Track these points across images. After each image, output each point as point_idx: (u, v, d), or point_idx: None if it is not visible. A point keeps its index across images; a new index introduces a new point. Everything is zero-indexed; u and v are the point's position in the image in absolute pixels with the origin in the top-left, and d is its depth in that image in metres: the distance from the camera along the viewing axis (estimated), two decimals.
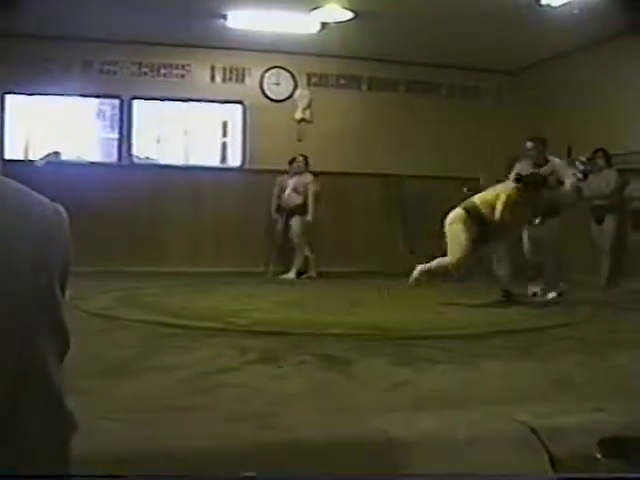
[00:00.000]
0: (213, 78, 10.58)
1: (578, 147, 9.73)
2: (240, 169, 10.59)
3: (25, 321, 0.82)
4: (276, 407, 3.00)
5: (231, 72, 10.63)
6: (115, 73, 10.15)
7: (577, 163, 9.55)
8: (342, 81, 11.05)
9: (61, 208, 0.89)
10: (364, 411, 2.96)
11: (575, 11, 7.99)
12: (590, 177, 8.85)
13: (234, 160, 10.80)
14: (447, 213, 7.05)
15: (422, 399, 3.22)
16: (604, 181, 8.73)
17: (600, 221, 8.82)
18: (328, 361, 3.97)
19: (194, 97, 10.51)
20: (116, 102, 10.34)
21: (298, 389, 3.38)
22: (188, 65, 10.43)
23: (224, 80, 10.62)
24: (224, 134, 11.28)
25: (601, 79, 9.45)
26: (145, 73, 10.26)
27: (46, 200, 0.88)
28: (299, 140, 10.80)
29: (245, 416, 2.83)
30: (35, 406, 0.83)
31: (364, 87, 11.13)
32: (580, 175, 9.50)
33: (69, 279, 0.91)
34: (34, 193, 0.87)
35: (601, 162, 8.81)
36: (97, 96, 10.33)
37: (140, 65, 10.24)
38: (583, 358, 4.22)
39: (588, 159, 9.34)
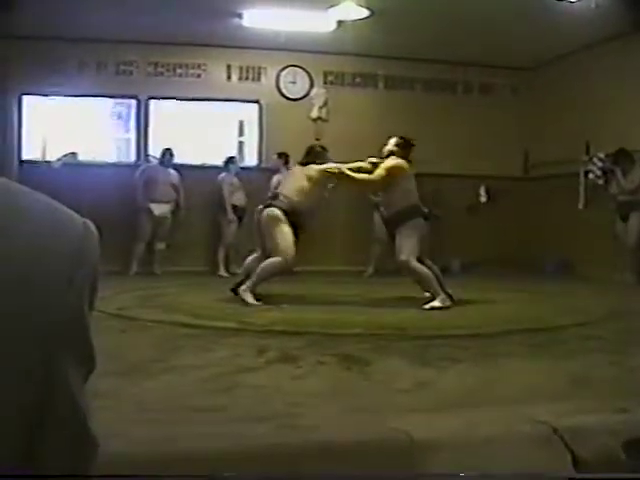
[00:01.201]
0: (229, 77, 10.60)
1: (597, 143, 9.68)
2: (257, 168, 10.58)
3: (55, 339, 0.81)
4: (296, 407, 2.98)
5: (247, 71, 10.64)
6: (131, 73, 10.18)
7: (595, 159, 9.51)
8: (358, 79, 11.04)
9: (90, 224, 0.88)
10: (384, 412, 2.95)
11: (593, 5, 7.92)
12: (618, 174, 8.79)
13: (251, 159, 10.80)
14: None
15: (443, 399, 3.20)
16: (630, 177, 8.68)
17: (625, 218, 8.77)
18: (347, 361, 3.96)
19: (210, 96, 10.52)
20: (132, 102, 10.37)
21: (317, 389, 3.37)
22: (204, 64, 10.45)
23: (240, 79, 10.64)
24: (241, 133, 11.28)
25: (620, 74, 9.38)
26: (161, 73, 10.29)
27: (76, 215, 0.87)
28: (317, 139, 10.78)
29: (264, 416, 2.82)
30: (61, 424, 0.83)
31: (380, 85, 11.11)
32: (599, 172, 9.46)
33: None
34: (64, 208, 0.87)
35: (627, 162, 8.74)
36: (113, 96, 10.35)
37: (156, 65, 10.26)
38: (604, 357, 4.17)
39: (607, 156, 9.28)
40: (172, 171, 9.86)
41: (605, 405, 3.04)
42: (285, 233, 6.61)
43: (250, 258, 7.02)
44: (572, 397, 3.24)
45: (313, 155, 7.27)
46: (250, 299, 6.37)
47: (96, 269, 0.86)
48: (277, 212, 6.65)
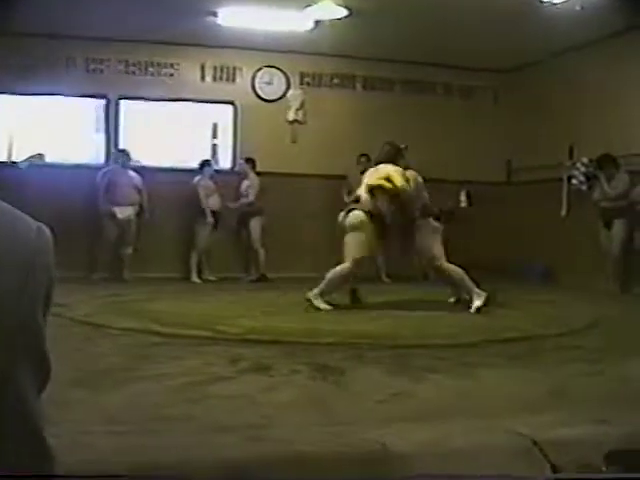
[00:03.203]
0: (203, 77, 10.59)
1: (581, 148, 9.77)
2: (231, 172, 10.57)
3: (7, 350, 0.80)
4: (268, 418, 2.99)
5: (222, 71, 10.63)
6: (101, 72, 10.13)
7: (578, 165, 9.60)
8: (336, 80, 11.07)
9: (45, 229, 0.88)
10: (359, 422, 2.96)
11: (578, 7, 8.01)
12: (602, 180, 8.86)
13: (224, 162, 10.78)
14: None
15: (419, 410, 3.22)
16: (614, 183, 8.76)
17: (609, 225, 8.84)
18: (322, 371, 3.97)
19: (183, 97, 10.49)
20: (103, 102, 10.32)
21: (291, 400, 3.38)
22: (177, 64, 10.43)
23: (214, 79, 10.63)
24: (214, 135, 11.26)
25: (604, 77, 9.47)
26: (133, 72, 10.25)
27: (30, 220, 0.87)
28: (293, 142, 10.81)
29: (235, 427, 2.83)
30: (13, 437, 0.82)
31: (359, 87, 11.15)
32: (582, 177, 9.54)
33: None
34: (17, 212, 0.86)
35: (611, 168, 8.81)
36: (83, 95, 10.28)
37: (127, 63, 10.23)
38: (585, 367, 4.22)
39: (591, 161, 9.36)
40: (133, 173, 9.82)
41: (585, 416, 3.07)
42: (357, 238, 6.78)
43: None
44: (552, 408, 3.27)
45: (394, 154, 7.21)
46: (323, 305, 6.61)
47: (51, 274, 0.86)
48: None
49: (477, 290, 6.74)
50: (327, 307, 6.62)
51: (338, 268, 6.78)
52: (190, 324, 5.58)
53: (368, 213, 6.82)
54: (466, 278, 6.84)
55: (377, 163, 7.20)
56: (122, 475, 2.37)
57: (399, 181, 6.84)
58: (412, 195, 6.89)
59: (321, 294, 6.67)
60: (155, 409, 3.11)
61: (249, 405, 3.27)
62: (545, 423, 2.94)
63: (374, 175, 7.02)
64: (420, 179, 7.20)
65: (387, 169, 6.96)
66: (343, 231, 7.04)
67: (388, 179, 6.82)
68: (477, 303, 6.66)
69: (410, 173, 7.08)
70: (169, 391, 3.46)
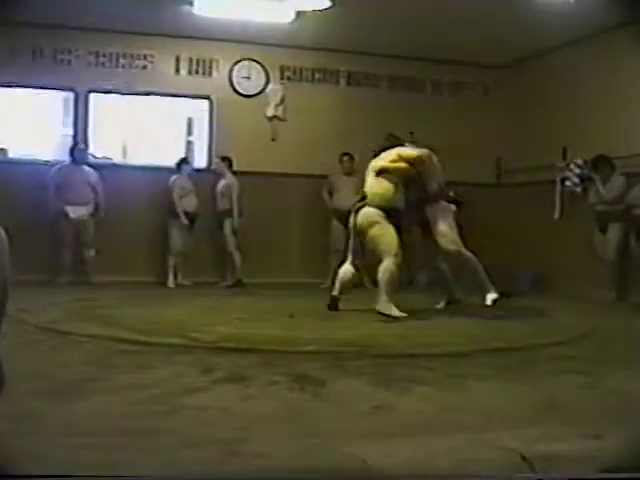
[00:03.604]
0: (178, 70, 10.56)
1: (575, 148, 9.81)
2: (206, 171, 10.54)
3: None
4: (243, 432, 2.97)
5: (197, 64, 10.61)
6: (69, 63, 10.08)
7: (572, 166, 9.64)
8: (318, 75, 11.07)
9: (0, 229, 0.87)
10: (340, 437, 2.95)
11: (571, 0, 8.06)
12: (597, 182, 8.91)
13: (200, 161, 10.75)
14: None
15: (403, 424, 3.21)
16: (609, 186, 8.80)
17: (604, 230, 8.88)
18: (301, 381, 3.95)
19: (157, 91, 10.47)
20: (71, 95, 10.26)
21: (268, 412, 3.36)
22: (151, 55, 10.39)
23: (190, 72, 10.60)
24: (189, 132, 11.23)
25: (600, 75, 9.54)
26: (103, 63, 10.20)
27: None
28: (272, 140, 10.80)
29: (209, 441, 2.81)
30: None
31: (342, 82, 11.16)
32: (576, 180, 9.59)
33: (13, 289, 0.89)
34: None
35: (607, 170, 8.86)
36: (50, 88, 10.21)
37: (97, 54, 10.18)
38: (578, 379, 4.23)
39: (585, 162, 9.41)
40: (89, 169, 9.76)
41: (577, 431, 3.08)
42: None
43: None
44: (543, 422, 3.27)
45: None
46: (395, 311, 6.65)
47: (4, 274, 0.85)
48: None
49: (490, 284, 7.02)
50: (403, 314, 6.66)
51: (382, 269, 6.82)
52: (161, 331, 5.55)
53: (378, 208, 6.91)
54: (480, 268, 7.02)
55: (379, 152, 7.25)
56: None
57: (411, 153, 7.02)
58: (428, 167, 7.02)
59: (388, 301, 6.73)
60: (122, 422, 3.08)
61: (223, 418, 3.25)
62: (535, 438, 2.94)
63: (380, 161, 7.10)
64: (435, 158, 7.27)
65: (394, 150, 7.11)
66: (358, 233, 7.08)
67: (399, 158, 7.00)
68: (493, 295, 6.99)
69: (423, 150, 7.19)
70: (137, 403, 3.43)
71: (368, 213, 6.96)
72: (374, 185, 7.03)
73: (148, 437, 2.87)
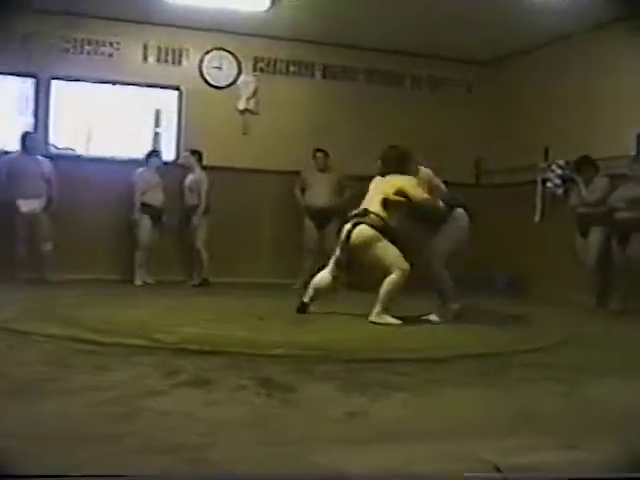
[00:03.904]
0: (146, 58, 10.51)
1: (557, 149, 9.87)
2: (174, 164, 10.49)
3: None
4: (207, 438, 2.94)
5: (167, 53, 10.56)
6: (31, 48, 9.97)
7: (554, 166, 9.70)
8: (293, 68, 11.06)
9: None
10: (309, 444, 2.93)
11: None
12: (579, 184, 8.95)
13: (168, 154, 10.69)
14: None
15: (376, 431, 3.20)
16: (592, 188, 8.85)
17: (585, 233, 8.93)
18: (269, 386, 3.93)
19: (123, 80, 10.41)
20: (31, 82, 10.16)
21: (233, 417, 3.34)
22: (117, 42, 10.33)
23: (158, 61, 10.55)
24: (157, 124, 11.18)
25: (585, 74, 9.61)
26: (67, 50, 10.12)
27: None
28: (244, 134, 10.77)
29: (170, 448, 2.78)
30: None
31: (318, 75, 11.16)
32: (558, 181, 9.64)
33: None
34: None
35: (590, 171, 8.91)
36: (9, 73, 10.10)
37: (60, 40, 10.08)
38: (556, 388, 4.24)
39: (567, 163, 9.46)
40: (42, 159, 9.62)
41: (554, 441, 3.09)
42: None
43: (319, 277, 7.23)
44: (519, 432, 3.28)
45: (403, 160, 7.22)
46: (391, 319, 6.68)
47: None
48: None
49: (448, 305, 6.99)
50: (397, 321, 6.67)
51: (389, 280, 6.80)
52: (123, 332, 5.50)
53: (374, 229, 6.87)
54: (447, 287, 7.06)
55: (382, 172, 7.17)
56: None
57: (413, 193, 6.91)
58: (429, 200, 6.98)
59: (384, 311, 6.75)
60: (78, 426, 3.05)
61: (186, 423, 3.23)
62: (511, 448, 2.94)
63: (381, 186, 7.05)
64: (430, 173, 7.25)
65: (397, 181, 7.00)
66: (352, 249, 7.01)
67: (401, 192, 6.90)
68: (434, 318, 6.99)
69: (422, 173, 7.15)
70: (95, 406, 3.40)
71: (366, 232, 6.90)
72: (376, 205, 6.98)
73: (105, 443, 2.84)
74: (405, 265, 6.82)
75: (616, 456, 2.90)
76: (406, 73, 11.42)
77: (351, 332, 6.19)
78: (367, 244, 6.88)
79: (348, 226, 6.99)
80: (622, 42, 8.96)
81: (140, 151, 10.17)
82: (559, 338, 6.12)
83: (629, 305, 8.47)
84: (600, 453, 2.92)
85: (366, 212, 7.00)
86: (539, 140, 10.15)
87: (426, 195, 6.94)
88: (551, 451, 2.95)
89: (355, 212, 7.09)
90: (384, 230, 6.87)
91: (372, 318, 6.72)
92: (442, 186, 7.29)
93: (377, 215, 6.91)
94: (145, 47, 10.48)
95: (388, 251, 6.87)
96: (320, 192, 10.20)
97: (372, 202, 7.02)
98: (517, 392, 4.15)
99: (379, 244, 6.85)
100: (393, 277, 6.80)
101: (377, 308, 6.74)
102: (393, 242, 6.89)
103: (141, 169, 9.82)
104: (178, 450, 2.74)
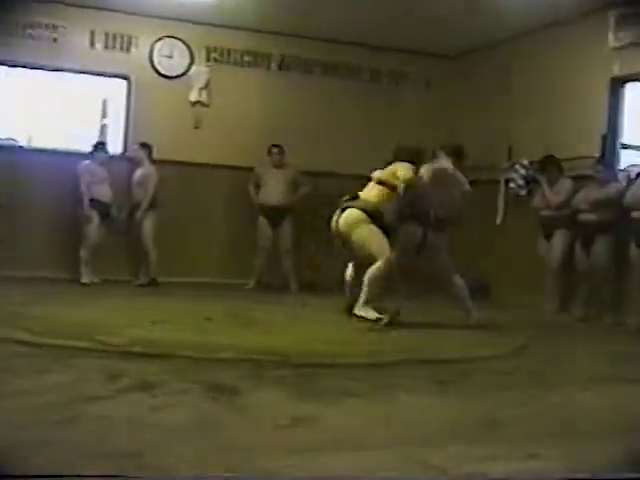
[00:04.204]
0: (93, 45, 10.37)
1: (521, 149, 9.95)
2: (122, 157, 10.41)
3: None
4: (149, 444, 2.94)
5: (115, 39, 10.45)
6: None
7: (517, 167, 9.77)
8: (248, 58, 11.02)
9: None
10: (255, 451, 2.94)
11: None
12: (544, 185, 9.02)
13: (115, 146, 10.60)
14: None
15: (326, 438, 3.21)
16: (556, 189, 8.92)
17: (549, 236, 9.00)
18: (216, 391, 3.94)
19: (68, 67, 10.29)
20: None
21: (177, 423, 3.33)
22: (62, 26, 10.18)
23: (106, 48, 10.43)
24: (104, 114, 11.09)
25: (549, 71, 9.70)
26: (7, 32, 9.98)
27: None
28: (195, 127, 10.72)
29: (110, 453, 2.77)
30: None
31: (273, 66, 11.13)
32: (521, 181, 9.72)
33: None
34: None
35: (554, 172, 8.99)
36: None
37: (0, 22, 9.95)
38: (516, 395, 4.29)
39: (531, 163, 9.54)
40: None
41: (513, 450, 3.12)
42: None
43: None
44: (477, 440, 3.31)
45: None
46: (372, 313, 6.79)
47: None
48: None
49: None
50: (380, 315, 6.75)
51: (371, 270, 6.89)
52: (66, 333, 5.46)
53: (364, 211, 7.00)
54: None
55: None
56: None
57: (403, 174, 7.04)
58: (426, 188, 7.03)
59: (367, 303, 6.84)
60: (14, 431, 3.02)
61: (128, 429, 3.22)
62: (467, 456, 2.97)
63: (378, 173, 7.30)
64: (451, 173, 7.36)
65: (395, 166, 7.21)
66: (339, 234, 7.15)
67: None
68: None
69: (428, 168, 7.24)
70: (33, 410, 3.38)
71: (352, 214, 7.04)
72: (371, 190, 7.21)
73: (42, 449, 2.82)
74: (388, 253, 6.90)
75: (575, 464, 2.94)
76: (364, 66, 11.43)
77: (305, 335, 6.20)
78: (353, 226, 6.99)
79: (337, 211, 7.13)
80: (589, 40, 9.08)
81: (86, 143, 10.06)
82: (519, 344, 6.19)
83: (591, 310, 8.57)
84: (559, 462, 2.96)
85: (356, 196, 7.17)
86: (502, 139, 10.21)
87: (415, 179, 7.05)
88: (508, 460, 2.98)
89: (346, 197, 7.23)
90: (373, 215, 6.97)
91: (355, 311, 6.84)
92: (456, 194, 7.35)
93: (367, 200, 7.05)
94: (92, 33, 10.34)
95: (373, 237, 6.97)
96: (275, 189, 10.18)
97: (366, 189, 7.25)
98: (476, 399, 4.19)
99: (364, 226, 6.97)
100: (375, 266, 6.89)
101: (361, 300, 6.84)
102: (383, 230, 6.99)
103: (86, 162, 9.73)
104: (120, 457, 2.74)
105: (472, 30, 10.07)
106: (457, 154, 7.53)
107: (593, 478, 2.66)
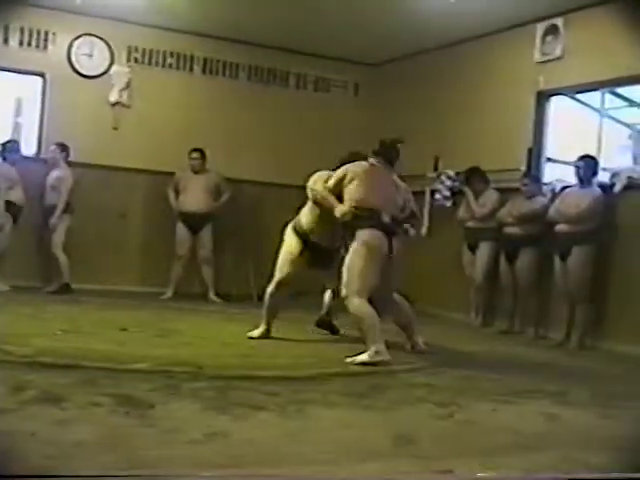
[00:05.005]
0: (6, 40, 10.22)
1: (447, 159, 10.08)
2: (34, 159, 10.26)
3: None
4: (54, 460, 2.91)
5: (31, 35, 10.31)
6: None
7: (443, 177, 9.91)
8: (170, 60, 10.99)
9: None
10: (164, 466, 2.93)
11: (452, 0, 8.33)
12: (469, 196, 9.15)
13: (28, 147, 10.45)
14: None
15: (237, 454, 3.21)
16: (481, 201, 9.06)
17: (473, 248, 9.13)
18: (127, 404, 3.91)
19: None
20: None
21: (86, 437, 3.30)
22: None
23: (21, 44, 10.29)
24: (17, 113, 10.94)
25: (475, 81, 9.86)
26: None
27: None
28: (114, 128, 10.63)
29: (13, 472, 2.74)
30: None
31: (197, 69, 11.10)
32: (447, 192, 9.86)
33: None
34: None
35: (480, 184, 9.13)
36: None
37: None
38: (432, 409, 4.35)
39: (457, 174, 9.68)
40: None
41: (428, 466, 3.17)
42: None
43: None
44: (392, 455, 3.34)
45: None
46: (255, 332, 6.85)
47: None
48: None
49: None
50: (254, 334, 6.77)
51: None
52: None
53: (294, 229, 6.81)
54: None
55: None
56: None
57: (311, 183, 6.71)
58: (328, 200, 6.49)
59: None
60: None
61: (32, 444, 3.17)
62: (381, 472, 3.00)
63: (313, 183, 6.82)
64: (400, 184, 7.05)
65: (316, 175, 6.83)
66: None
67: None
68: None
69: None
70: None
71: (287, 229, 6.90)
72: (304, 210, 6.83)
73: None
74: (278, 275, 6.82)
75: None
76: (290, 72, 11.48)
77: (222, 347, 6.21)
78: (284, 240, 6.90)
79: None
80: (517, 52, 9.26)
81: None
82: (440, 358, 6.27)
83: (515, 324, 8.73)
84: (474, 477, 3.01)
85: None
86: (429, 149, 10.31)
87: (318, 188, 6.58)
88: (425, 475, 3.03)
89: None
90: (295, 228, 6.81)
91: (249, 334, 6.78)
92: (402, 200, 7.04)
93: (300, 219, 6.84)
94: (6, 28, 10.19)
95: (280, 256, 6.88)
96: (195, 195, 10.14)
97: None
98: (392, 414, 4.23)
99: (283, 243, 6.87)
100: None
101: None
102: (306, 246, 6.70)
103: None
104: (23, 476, 2.70)
105: (399, 38, 10.18)
106: (390, 160, 7.12)
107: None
